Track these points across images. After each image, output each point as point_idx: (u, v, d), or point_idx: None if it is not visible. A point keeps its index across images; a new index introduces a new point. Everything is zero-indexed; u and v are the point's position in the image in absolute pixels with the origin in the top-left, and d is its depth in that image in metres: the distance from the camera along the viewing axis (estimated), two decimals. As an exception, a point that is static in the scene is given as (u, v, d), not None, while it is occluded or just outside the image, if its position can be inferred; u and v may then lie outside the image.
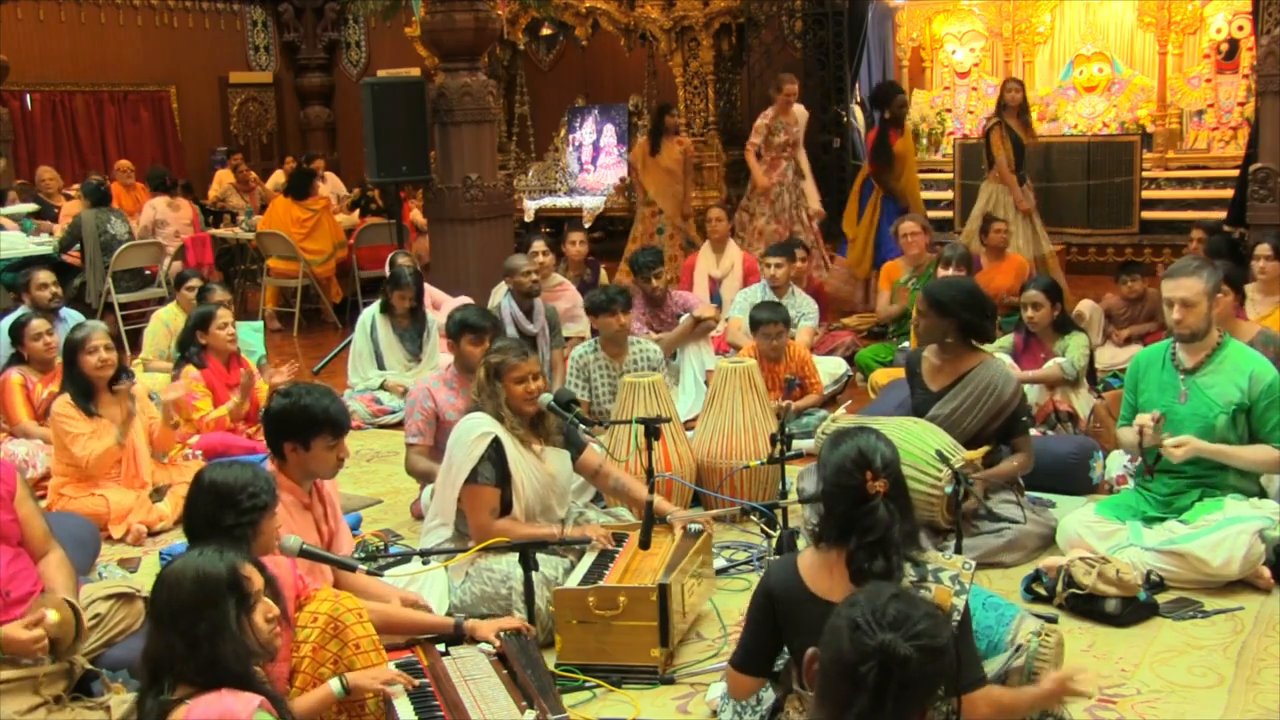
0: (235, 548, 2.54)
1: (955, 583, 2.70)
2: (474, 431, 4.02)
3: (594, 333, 6.08)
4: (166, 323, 7.31)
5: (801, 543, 4.01)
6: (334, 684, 2.90)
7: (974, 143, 11.78)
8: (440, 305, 7.73)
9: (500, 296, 6.95)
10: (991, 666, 2.97)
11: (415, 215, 10.81)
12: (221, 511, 2.98)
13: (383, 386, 6.96)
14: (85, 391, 5.16)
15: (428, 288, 7.89)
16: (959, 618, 2.65)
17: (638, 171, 9.81)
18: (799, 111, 9.50)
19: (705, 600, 4.00)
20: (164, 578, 2.44)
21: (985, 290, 5.04)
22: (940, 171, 11.67)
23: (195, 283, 7.25)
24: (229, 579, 2.41)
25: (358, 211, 11.10)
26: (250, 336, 7.42)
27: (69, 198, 11.16)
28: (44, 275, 6.89)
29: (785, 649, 2.89)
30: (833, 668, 2.04)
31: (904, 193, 9.11)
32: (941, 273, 6.64)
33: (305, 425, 3.47)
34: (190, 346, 6.07)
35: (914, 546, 2.75)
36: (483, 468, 3.97)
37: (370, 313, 7.18)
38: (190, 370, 6.00)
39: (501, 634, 3.26)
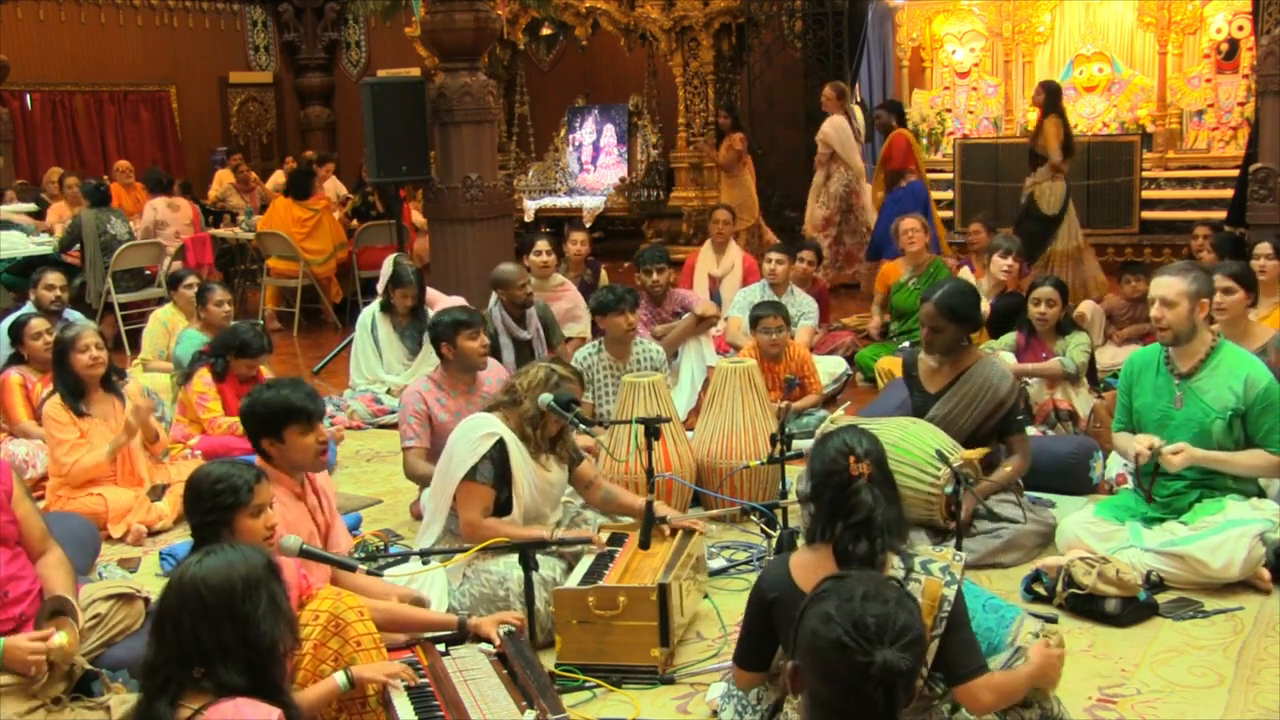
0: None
1: (946, 573, 2.74)
2: (480, 430, 4.01)
3: (595, 333, 6.05)
4: (164, 323, 7.28)
5: (801, 542, 4.00)
6: (339, 677, 2.92)
7: (974, 142, 11.79)
8: (436, 304, 7.72)
9: (493, 301, 6.94)
10: (991, 667, 2.97)
11: (415, 216, 10.79)
12: (191, 507, 3.02)
13: (389, 393, 6.94)
14: (76, 391, 5.14)
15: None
16: (950, 608, 2.68)
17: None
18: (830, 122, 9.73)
19: (698, 602, 3.99)
20: (205, 572, 2.36)
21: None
22: (940, 171, 11.67)
23: (193, 281, 7.21)
24: (269, 563, 2.42)
25: (355, 219, 11.06)
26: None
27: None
28: (53, 276, 6.81)
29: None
30: (827, 687, 1.94)
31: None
32: (998, 262, 6.78)
33: (271, 418, 3.49)
34: (219, 357, 6.04)
35: (900, 537, 2.80)
36: (483, 466, 3.96)
37: (370, 311, 7.19)
38: (205, 373, 5.96)
39: (502, 634, 3.26)
